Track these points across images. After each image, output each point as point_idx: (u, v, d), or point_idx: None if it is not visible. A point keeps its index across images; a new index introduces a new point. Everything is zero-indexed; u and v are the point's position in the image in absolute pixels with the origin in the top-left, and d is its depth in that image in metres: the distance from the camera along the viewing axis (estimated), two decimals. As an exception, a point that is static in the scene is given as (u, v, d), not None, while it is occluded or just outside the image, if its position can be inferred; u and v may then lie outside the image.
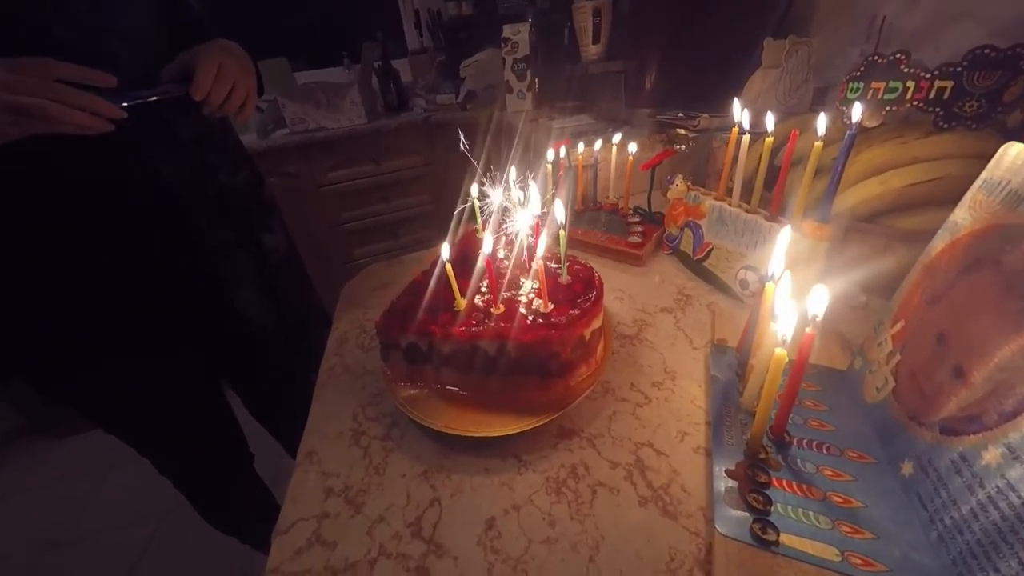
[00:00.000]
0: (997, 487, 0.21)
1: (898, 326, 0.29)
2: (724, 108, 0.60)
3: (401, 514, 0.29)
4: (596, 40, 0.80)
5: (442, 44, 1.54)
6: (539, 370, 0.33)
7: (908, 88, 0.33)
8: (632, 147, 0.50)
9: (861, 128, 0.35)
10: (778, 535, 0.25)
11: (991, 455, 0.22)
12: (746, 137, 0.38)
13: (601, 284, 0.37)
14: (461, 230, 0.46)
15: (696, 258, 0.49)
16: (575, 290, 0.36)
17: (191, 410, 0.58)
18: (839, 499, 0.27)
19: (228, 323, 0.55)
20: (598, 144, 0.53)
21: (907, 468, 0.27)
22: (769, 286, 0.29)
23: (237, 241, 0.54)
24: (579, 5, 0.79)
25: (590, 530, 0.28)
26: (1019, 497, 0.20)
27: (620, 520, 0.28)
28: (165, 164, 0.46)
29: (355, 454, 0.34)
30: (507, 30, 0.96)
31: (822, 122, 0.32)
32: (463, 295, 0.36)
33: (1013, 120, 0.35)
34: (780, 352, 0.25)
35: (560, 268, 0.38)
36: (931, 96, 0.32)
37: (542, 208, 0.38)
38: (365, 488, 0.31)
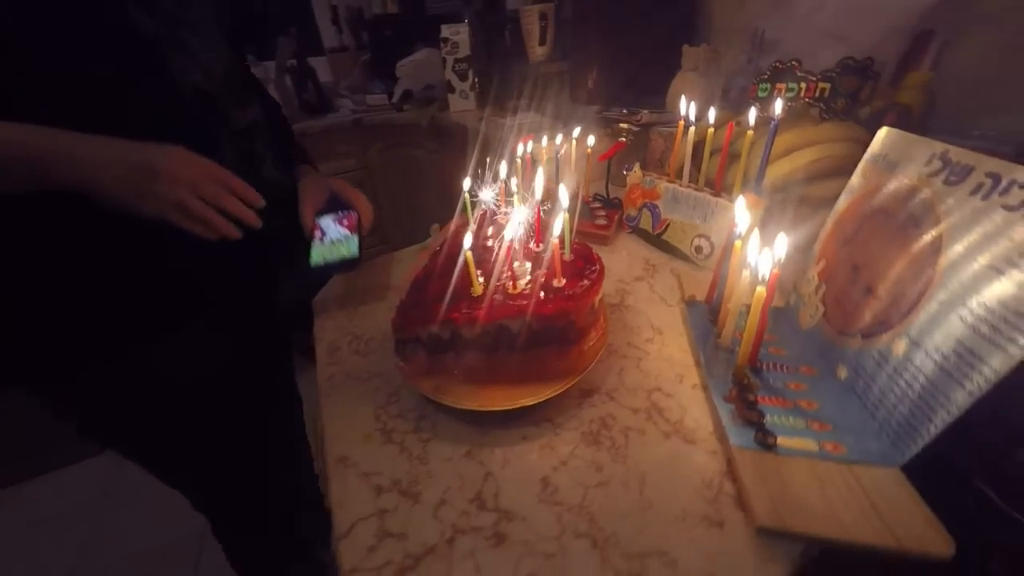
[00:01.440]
0: (910, 372, 0.29)
1: (821, 265, 0.39)
2: (660, 104, 0.70)
3: (460, 493, 0.30)
4: (543, 42, 0.86)
5: (365, 42, 1.48)
6: (558, 339, 0.36)
7: (801, 88, 0.44)
8: (591, 140, 0.56)
9: (769, 119, 0.45)
10: (776, 439, 0.32)
11: (899, 347, 0.31)
12: (692, 128, 0.46)
13: (599, 257, 0.41)
14: (454, 224, 0.47)
15: (656, 233, 0.57)
16: (578, 265, 0.40)
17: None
18: (805, 404, 0.35)
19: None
20: (559, 138, 0.58)
21: (842, 372, 0.36)
22: (738, 243, 0.36)
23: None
24: (525, 9, 0.84)
25: (632, 468, 0.32)
26: (925, 376, 0.28)
27: (653, 454, 0.33)
28: (223, 151, 0.45)
29: (391, 451, 0.33)
30: (445, 30, 0.96)
31: (752, 115, 0.41)
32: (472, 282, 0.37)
33: (863, 113, 0.48)
34: (760, 290, 0.31)
35: (564, 247, 0.41)
36: (816, 95, 0.44)
37: (542, 197, 0.41)
38: (415, 479, 0.31)
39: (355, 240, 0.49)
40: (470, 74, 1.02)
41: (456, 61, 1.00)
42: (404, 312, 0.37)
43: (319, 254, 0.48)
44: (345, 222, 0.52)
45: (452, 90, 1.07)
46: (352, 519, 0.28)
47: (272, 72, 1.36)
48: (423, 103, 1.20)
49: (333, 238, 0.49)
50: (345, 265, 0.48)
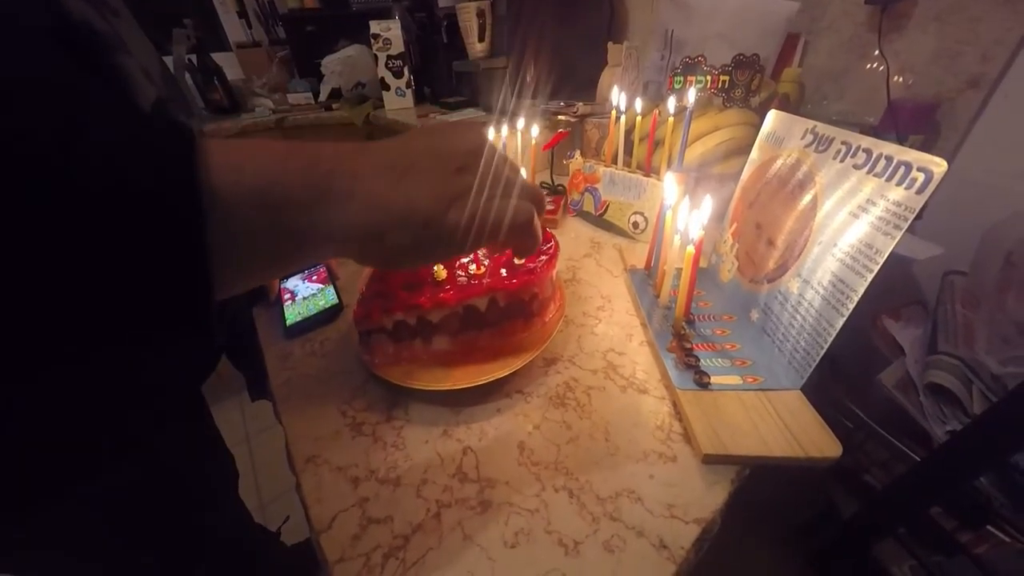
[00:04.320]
0: (803, 306, 0.36)
1: (733, 227, 0.45)
2: (592, 97, 0.75)
3: (441, 470, 0.31)
4: (482, 39, 0.87)
5: (278, 38, 1.37)
6: (523, 313, 0.38)
7: (707, 81, 0.51)
8: (535, 131, 0.59)
9: (683, 108, 0.51)
10: (710, 378, 0.37)
11: (793, 285, 0.37)
12: (623, 118, 0.51)
13: (553, 235, 0.44)
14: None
15: (597, 214, 0.61)
16: (531, 245, 0.42)
17: None
18: (729, 346, 0.41)
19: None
20: (505, 131, 0.60)
21: (755, 315, 0.42)
22: (668, 215, 0.41)
23: None
24: (462, 6, 0.84)
25: (597, 421, 0.35)
26: (813, 306, 0.34)
27: (613, 407, 0.36)
28: None
29: (363, 442, 0.33)
30: (376, 26, 0.93)
31: (671, 104, 0.46)
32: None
33: (754, 102, 0.57)
34: (690, 249, 0.36)
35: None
36: (719, 86, 0.51)
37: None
38: (392, 464, 0.31)
39: (331, 289, 0.47)
40: (406, 71, 1.00)
41: (389, 58, 0.97)
42: (366, 304, 0.36)
43: (294, 313, 0.45)
44: (315, 278, 0.49)
45: (387, 87, 1.03)
46: (332, 512, 0.28)
47: (170, 68, 1.21)
48: (354, 101, 1.15)
49: (304, 296, 0.47)
50: (326, 315, 0.45)
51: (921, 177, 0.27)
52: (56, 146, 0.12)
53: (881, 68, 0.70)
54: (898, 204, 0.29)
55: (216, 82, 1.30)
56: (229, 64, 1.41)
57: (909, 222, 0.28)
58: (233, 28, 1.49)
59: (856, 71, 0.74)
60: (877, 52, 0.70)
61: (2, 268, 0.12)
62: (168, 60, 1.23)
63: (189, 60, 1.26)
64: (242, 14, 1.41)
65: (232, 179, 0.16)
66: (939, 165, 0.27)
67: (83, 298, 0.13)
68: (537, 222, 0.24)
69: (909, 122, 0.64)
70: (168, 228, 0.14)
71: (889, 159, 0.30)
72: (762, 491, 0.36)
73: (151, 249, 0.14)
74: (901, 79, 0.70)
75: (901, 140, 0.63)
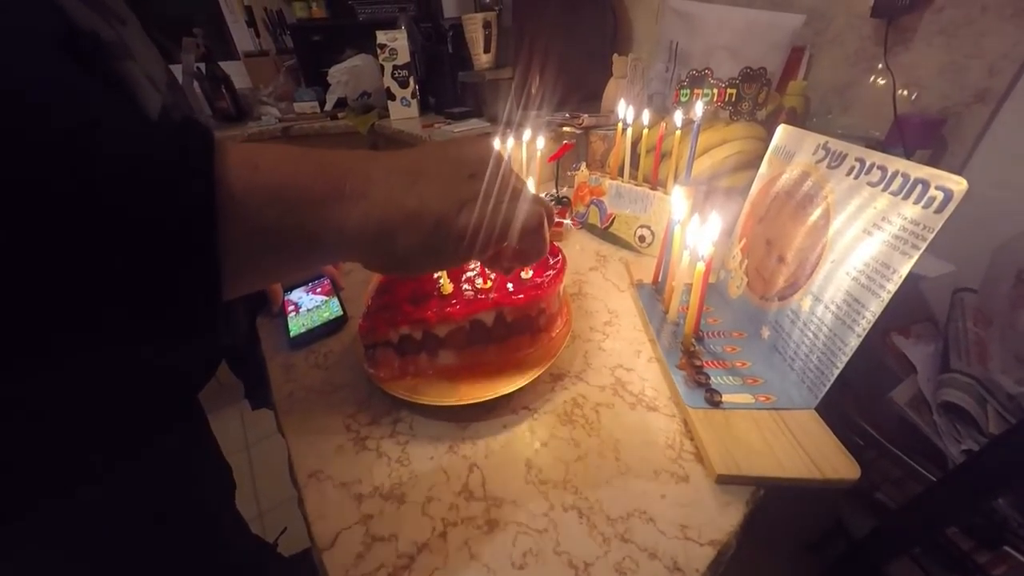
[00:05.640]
0: (815, 323, 0.35)
1: (742, 242, 0.45)
2: (597, 108, 0.76)
3: (447, 487, 0.30)
4: (487, 50, 0.88)
5: (286, 47, 1.39)
6: (530, 328, 0.38)
7: (714, 94, 0.51)
8: (540, 142, 0.59)
9: (690, 121, 0.51)
10: (721, 397, 0.36)
11: (805, 303, 0.37)
12: (629, 130, 0.51)
13: (560, 248, 0.43)
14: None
15: (603, 227, 0.61)
16: (539, 257, 0.42)
17: None
18: (739, 364, 0.40)
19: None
20: (511, 142, 0.60)
21: (765, 332, 0.42)
22: (677, 230, 0.41)
23: None
24: (468, 17, 0.85)
25: (606, 439, 0.34)
26: (827, 326, 0.34)
27: (623, 424, 0.35)
28: None
29: (368, 458, 0.32)
30: (382, 36, 0.94)
31: (678, 117, 0.46)
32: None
33: (761, 115, 0.57)
34: (701, 266, 0.36)
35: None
36: (726, 100, 0.51)
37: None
38: (397, 481, 0.30)
39: (335, 301, 0.47)
40: (411, 81, 1.01)
41: (395, 68, 0.99)
42: (372, 317, 0.36)
43: (298, 324, 0.45)
44: (319, 290, 0.49)
45: (392, 97, 1.04)
46: (335, 530, 0.27)
47: (178, 77, 1.22)
48: (360, 111, 1.16)
49: (308, 307, 0.47)
50: (331, 327, 0.45)
51: (940, 196, 0.27)
52: (74, 138, 0.13)
53: (886, 82, 0.70)
54: (915, 223, 0.28)
55: (224, 90, 1.31)
56: (237, 73, 1.43)
57: (928, 241, 0.27)
58: (241, 37, 1.51)
59: (861, 84, 0.75)
60: (882, 65, 0.70)
61: (18, 254, 0.12)
62: (177, 68, 1.24)
63: (198, 68, 1.28)
64: (251, 23, 1.43)
65: (247, 175, 0.16)
66: (959, 183, 0.26)
67: (94, 283, 0.13)
68: (547, 227, 0.25)
69: (916, 137, 0.64)
70: (181, 218, 0.14)
71: (905, 176, 0.30)
72: (771, 507, 0.35)
73: (163, 237, 0.14)
74: (907, 93, 0.70)
75: (908, 155, 0.63)
